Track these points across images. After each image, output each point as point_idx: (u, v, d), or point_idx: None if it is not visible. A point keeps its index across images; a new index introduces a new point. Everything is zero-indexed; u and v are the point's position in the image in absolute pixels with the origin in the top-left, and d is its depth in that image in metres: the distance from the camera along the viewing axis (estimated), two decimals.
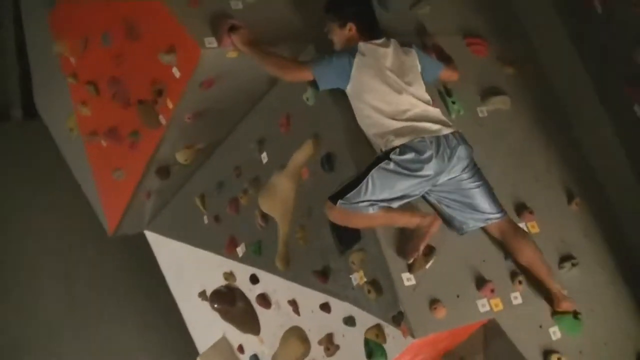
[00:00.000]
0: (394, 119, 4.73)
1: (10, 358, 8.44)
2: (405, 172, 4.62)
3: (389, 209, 4.69)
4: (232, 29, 4.95)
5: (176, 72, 5.20)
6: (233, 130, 6.02)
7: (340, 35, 5.00)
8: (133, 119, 5.90)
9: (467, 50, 5.63)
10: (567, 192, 5.52)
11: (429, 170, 4.66)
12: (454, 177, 4.81)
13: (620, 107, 5.59)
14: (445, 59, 5.34)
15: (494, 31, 5.90)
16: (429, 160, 4.64)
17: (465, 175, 4.84)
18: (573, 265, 5.20)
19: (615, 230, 5.62)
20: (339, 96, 5.00)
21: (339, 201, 4.66)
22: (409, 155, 4.63)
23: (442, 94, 5.29)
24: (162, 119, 5.61)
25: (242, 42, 4.95)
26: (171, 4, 5.04)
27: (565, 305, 4.99)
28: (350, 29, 4.96)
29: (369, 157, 4.81)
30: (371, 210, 4.65)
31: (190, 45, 4.96)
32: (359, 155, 4.92)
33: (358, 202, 4.63)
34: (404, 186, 4.66)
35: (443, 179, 4.77)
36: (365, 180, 4.62)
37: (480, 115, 5.45)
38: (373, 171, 4.63)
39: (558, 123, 5.80)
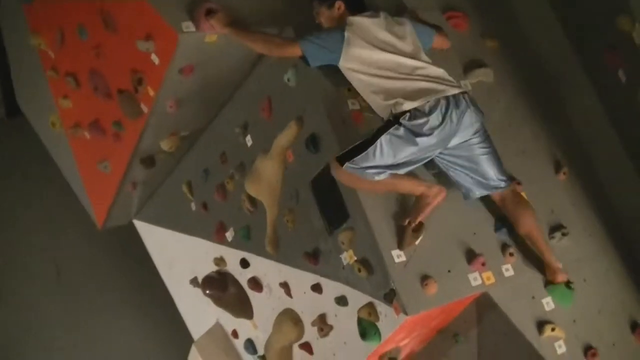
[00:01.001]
0: (399, 79, 4.67)
1: (5, 356, 8.44)
2: (415, 138, 4.56)
3: (396, 175, 4.66)
4: (210, 12, 4.90)
5: (155, 59, 5.16)
6: (216, 116, 6.00)
7: (329, 15, 4.94)
8: (115, 109, 5.87)
9: (447, 24, 5.59)
10: (554, 162, 5.51)
11: (439, 134, 4.60)
12: (465, 141, 4.77)
13: (604, 73, 5.57)
14: (434, 27, 5.26)
15: (475, 5, 5.86)
16: (437, 126, 4.58)
17: (475, 140, 4.80)
18: (563, 235, 5.19)
19: (603, 199, 5.61)
20: (321, 75, 4.98)
21: (347, 164, 4.59)
22: (420, 120, 4.56)
23: None
24: (144, 108, 5.58)
25: (221, 24, 4.90)
26: None
27: (561, 278, 4.99)
28: (339, 7, 4.91)
29: (354, 136, 4.78)
30: (378, 177, 4.62)
31: (167, 30, 4.92)
32: (343, 135, 4.89)
33: (365, 168, 4.58)
34: (414, 150, 4.61)
35: (454, 142, 4.73)
36: (373, 146, 4.56)
37: (464, 88, 5.42)
38: (382, 137, 4.56)
39: (542, 93, 5.77)
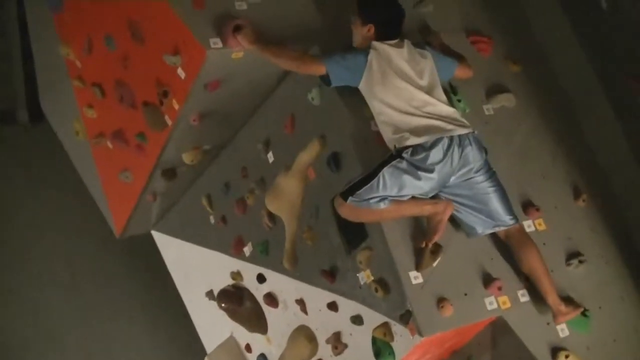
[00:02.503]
0: (409, 114, 4.72)
1: (18, 357, 8.47)
2: (417, 171, 4.62)
3: (399, 201, 4.69)
4: (237, 28, 4.95)
5: (181, 73, 5.20)
6: (239, 131, 6.03)
7: (359, 31, 4.99)
8: (139, 120, 5.91)
9: (471, 48, 5.62)
10: (573, 189, 5.50)
11: (440, 170, 4.66)
12: (467, 179, 4.81)
13: (626, 102, 5.59)
14: (456, 56, 5.31)
15: (499, 29, 5.89)
16: (438, 162, 4.64)
17: (479, 178, 4.83)
18: (580, 262, 5.19)
19: (622, 227, 5.60)
20: (344, 95, 5.02)
21: (350, 198, 4.67)
22: (421, 155, 4.63)
23: (447, 92, 5.28)
24: (168, 120, 5.61)
25: (248, 40, 4.94)
26: (176, 5, 5.03)
27: (562, 319, 4.94)
28: (369, 29, 4.95)
29: (376, 156, 4.81)
30: (382, 205, 4.65)
31: (195, 46, 4.96)
32: (365, 155, 4.93)
33: (369, 199, 4.63)
34: (415, 185, 4.66)
35: (453, 180, 4.77)
36: (377, 178, 4.62)
37: (487, 113, 5.45)
38: (385, 169, 4.63)
39: (564, 120, 5.78)
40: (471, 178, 4.81)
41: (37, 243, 8.99)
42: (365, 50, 4.86)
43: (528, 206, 5.21)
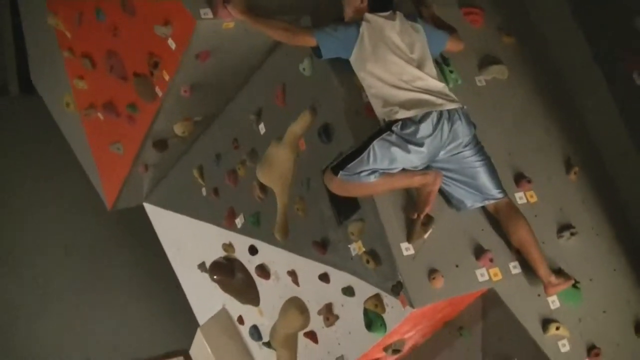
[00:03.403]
0: (399, 88, 4.71)
1: (13, 330, 8.49)
2: (407, 145, 4.61)
3: (389, 174, 4.69)
4: None
5: (172, 44, 5.17)
6: (230, 102, 6.00)
7: (352, 3, 4.96)
8: (130, 92, 5.89)
9: (463, 20, 5.59)
10: (565, 161, 5.50)
11: (430, 144, 4.65)
12: (456, 154, 4.80)
13: (619, 75, 5.57)
14: (448, 28, 5.29)
15: (491, 0, 5.86)
16: (428, 135, 4.63)
17: (467, 153, 4.83)
18: (572, 234, 5.20)
19: (613, 199, 5.60)
20: (336, 66, 4.99)
21: (340, 172, 4.66)
22: (410, 129, 4.61)
23: (439, 64, 5.26)
24: (159, 91, 5.59)
25: (238, 10, 4.91)
26: None
27: (553, 291, 4.95)
28: (362, 1, 4.93)
29: (367, 127, 4.80)
30: (372, 179, 4.64)
31: (186, 16, 4.93)
32: (356, 126, 4.92)
33: (359, 172, 4.63)
34: (405, 158, 4.65)
35: (442, 154, 4.77)
36: (366, 151, 4.61)
37: (479, 84, 5.43)
38: (375, 142, 4.62)
39: (556, 92, 5.77)
40: (460, 152, 4.81)
41: (29, 215, 8.98)
42: (357, 22, 4.83)
43: (520, 178, 5.21)
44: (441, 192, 4.89)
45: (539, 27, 5.99)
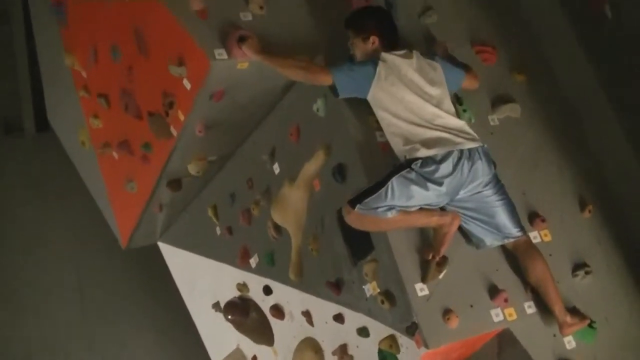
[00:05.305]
0: (419, 126, 4.70)
1: None
2: (426, 183, 4.60)
3: (407, 211, 4.68)
4: (242, 39, 4.94)
5: (187, 84, 5.20)
6: (244, 141, 6.03)
7: (363, 48, 4.97)
8: (144, 131, 5.91)
9: (476, 58, 5.60)
10: (579, 200, 5.48)
11: (449, 183, 4.64)
12: (476, 193, 4.79)
13: (631, 112, 5.57)
14: (463, 66, 5.28)
15: (503, 39, 5.87)
16: (448, 175, 4.62)
17: (487, 192, 4.82)
18: (586, 273, 5.17)
19: (628, 237, 5.57)
20: (350, 106, 5.00)
21: (358, 206, 4.64)
22: (430, 168, 4.61)
23: (453, 103, 5.26)
24: (174, 131, 5.61)
25: (253, 51, 4.93)
26: (180, 15, 5.04)
27: (569, 331, 4.91)
28: (374, 41, 4.94)
29: (381, 167, 4.81)
30: (389, 215, 4.63)
31: (200, 56, 4.96)
32: (370, 166, 4.91)
33: (376, 208, 4.61)
34: (423, 196, 4.64)
35: (462, 194, 4.76)
36: (385, 187, 4.60)
37: (492, 123, 5.43)
38: (394, 179, 4.61)
39: (569, 130, 5.75)
40: (480, 192, 4.80)
41: (44, 253, 9.02)
42: (373, 60, 4.83)
43: (534, 217, 5.19)
44: (460, 229, 4.87)
45: (550, 63, 5.99)
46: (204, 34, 5.00)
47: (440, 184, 4.62)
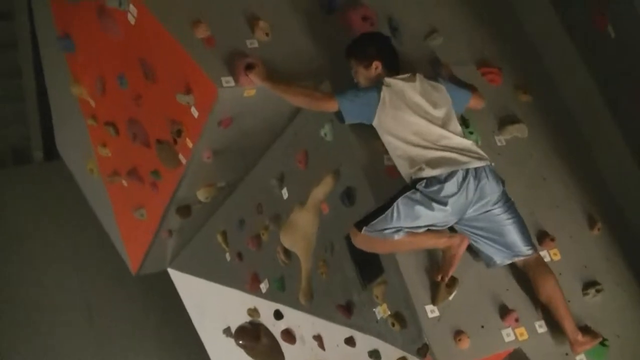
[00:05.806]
0: (424, 147, 4.71)
1: None
2: (431, 203, 4.61)
3: (415, 233, 4.69)
4: (249, 67, 4.98)
5: (194, 112, 5.23)
6: (253, 167, 6.05)
7: (367, 75, 5.00)
8: (153, 158, 5.94)
9: (481, 79, 5.63)
10: (588, 217, 5.49)
11: (454, 203, 4.65)
12: (485, 212, 4.79)
13: (638, 130, 5.58)
14: (468, 87, 5.31)
15: (508, 59, 5.90)
16: (452, 194, 4.63)
17: (496, 211, 4.81)
18: (597, 291, 5.17)
19: (638, 254, 5.57)
20: (357, 130, 5.03)
21: (364, 228, 4.66)
22: (435, 187, 4.62)
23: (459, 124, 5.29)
24: (182, 158, 5.64)
25: (260, 78, 4.97)
26: (187, 44, 5.06)
27: (580, 349, 4.91)
28: (377, 67, 4.97)
29: (389, 190, 4.81)
30: (397, 236, 4.64)
31: (207, 85, 4.99)
32: (378, 189, 4.93)
33: (383, 229, 4.63)
34: (429, 217, 4.65)
35: (470, 213, 4.77)
36: (391, 209, 4.61)
37: (499, 144, 5.45)
38: (399, 200, 4.62)
39: (576, 149, 5.78)
40: (489, 210, 4.80)
41: (54, 280, 9.04)
42: (377, 86, 4.86)
43: (543, 236, 5.20)
44: (470, 248, 4.87)
45: (556, 83, 6.02)
46: (211, 61, 5.03)
47: (445, 203, 4.63)
